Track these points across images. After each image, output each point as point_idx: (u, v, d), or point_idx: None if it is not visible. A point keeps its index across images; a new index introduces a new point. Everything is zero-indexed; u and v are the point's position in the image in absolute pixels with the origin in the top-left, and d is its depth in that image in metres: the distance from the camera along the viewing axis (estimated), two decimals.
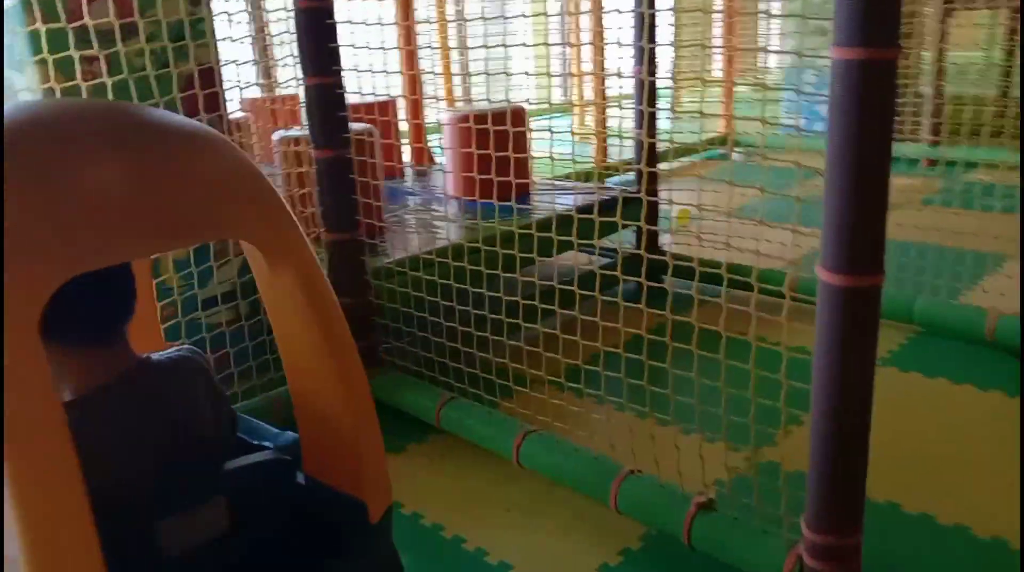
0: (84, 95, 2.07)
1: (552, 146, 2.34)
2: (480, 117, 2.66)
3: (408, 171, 3.83)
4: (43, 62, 2.03)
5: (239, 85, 2.61)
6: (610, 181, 3.27)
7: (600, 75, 4.92)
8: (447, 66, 5.32)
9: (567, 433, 1.98)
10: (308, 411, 1.09)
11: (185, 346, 1.16)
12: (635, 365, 1.82)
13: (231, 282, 2.56)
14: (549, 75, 5.72)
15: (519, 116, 2.88)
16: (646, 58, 2.78)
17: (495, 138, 2.12)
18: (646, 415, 1.85)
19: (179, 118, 0.99)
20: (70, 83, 2.06)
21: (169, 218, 0.90)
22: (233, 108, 3.04)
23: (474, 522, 1.94)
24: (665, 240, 3.19)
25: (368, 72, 2.36)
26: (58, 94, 2.04)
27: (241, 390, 2.44)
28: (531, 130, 3.04)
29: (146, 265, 1.37)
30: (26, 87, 2.07)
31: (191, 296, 2.40)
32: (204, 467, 1.04)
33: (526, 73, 2.34)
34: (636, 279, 1.83)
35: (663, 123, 3.76)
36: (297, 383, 1.09)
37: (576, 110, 6.72)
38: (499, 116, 2.26)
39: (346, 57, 2.27)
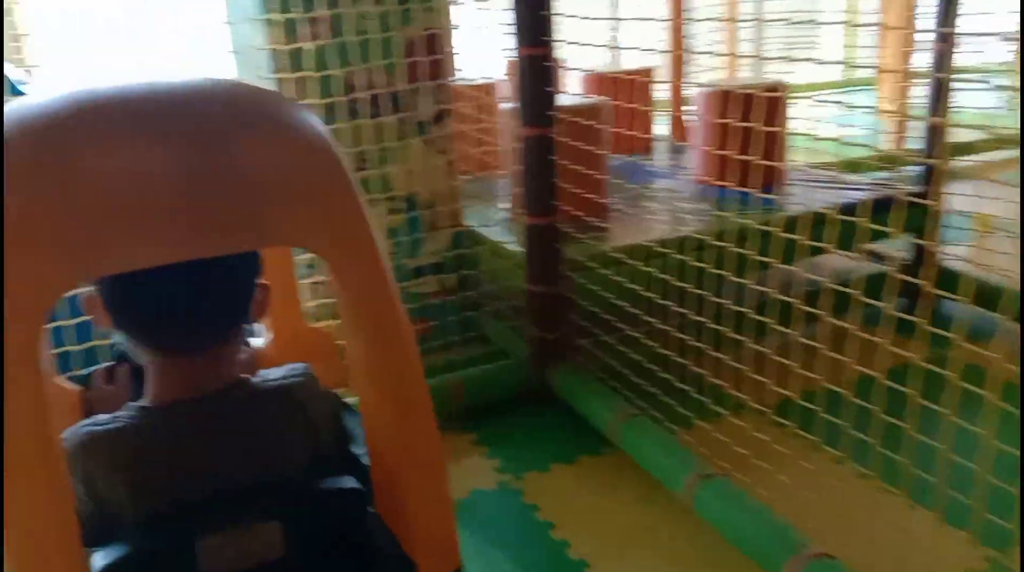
0: (305, 57, 2.05)
1: (820, 128, 1.96)
2: (733, 94, 2.34)
3: (655, 147, 3.54)
4: (270, 22, 2.04)
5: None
6: (880, 175, 2.74)
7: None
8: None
9: (759, 479, 1.65)
10: (375, 448, 0.92)
11: (300, 367, 1.02)
12: (865, 411, 1.46)
13: (441, 253, 2.50)
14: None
15: (777, 94, 2.49)
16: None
17: (747, 118, 1.80)
18: (868, 477, 1.49)
19: (253, 99, 0.84)
20: (293, 45, 2.05)
21: (205, 219, 0.76)
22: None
23: (625, 565, 1.70)
24: (947, 253, 2.64)
25: (595, 44, 2.13)
26: (281, 54, 2.05)
27: (441, 363, 2.37)
28: (787, 107, 2.61)
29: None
30: (255, 44, 2.09)
31: (401, 264, 2.36)
32: (263, 488, 0.92)
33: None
34: (875, 302, 1.46)
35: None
36: (366, 413, 0.93)
37: (881, 83, 5.73)
38: (755, 95, 1.92)
39: (575, 29, 2.06)
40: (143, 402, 0.90)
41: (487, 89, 3.07)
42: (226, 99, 0.82)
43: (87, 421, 0.90)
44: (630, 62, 4.05)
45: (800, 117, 2.81)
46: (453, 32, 2.37)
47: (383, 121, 2.27)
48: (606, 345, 2.08)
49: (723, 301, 1.76)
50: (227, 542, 0.86)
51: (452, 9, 2.37)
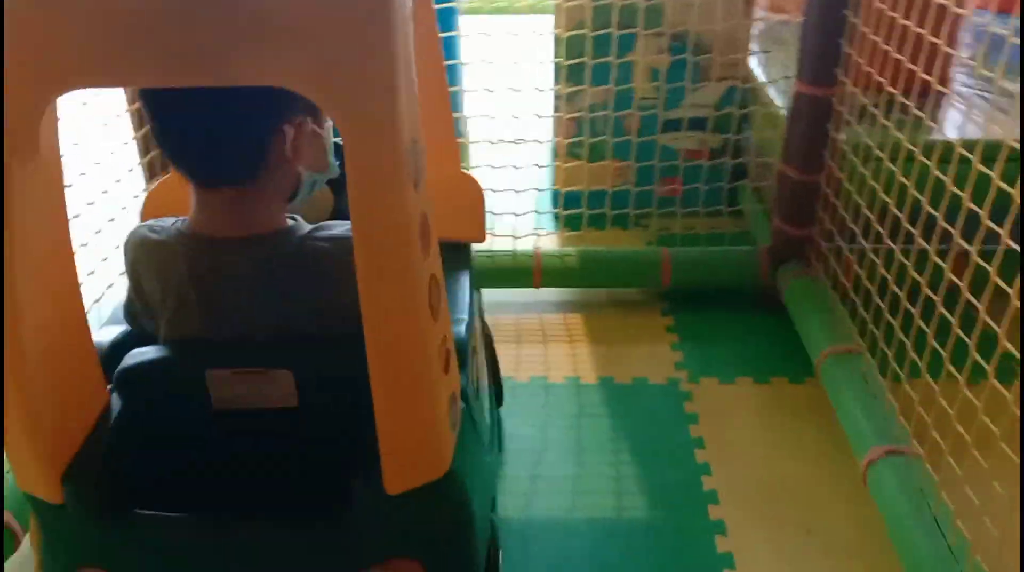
0: None
1: None
2: None
3: None
4: None
5: None
6: None
7: None
8: None
9: (965, 477, 1.22)
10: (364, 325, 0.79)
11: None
12: None
13: (707, 107, 2.16)
14: None
15: None
16: None
17: None
18: None
19: None
20: None
21: (201, 46, 0.68)
22: None
23: (760, 526, 1.41)
24: None
25: None
26: None
27: (676, 232, 2.12)
28: None
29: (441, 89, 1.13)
30: None
31: (654, 114, 2.09)
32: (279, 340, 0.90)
33: None
34: None
35: None
36: (361, 297, 0.79)
37: None
38: None
39: None
40: (182, 226, 0.91)
41: None
42: None
43: (149, 223, 0.94)
44: None
45: None
46: None
47: None
48: (859, 257, 1.66)
49: None
50: (237, 378, 0.87)
51: None
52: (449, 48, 2.11)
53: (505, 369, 1.67)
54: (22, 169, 0.73)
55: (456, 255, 1.21)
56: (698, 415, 1.63)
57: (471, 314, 1.06)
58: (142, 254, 0.93)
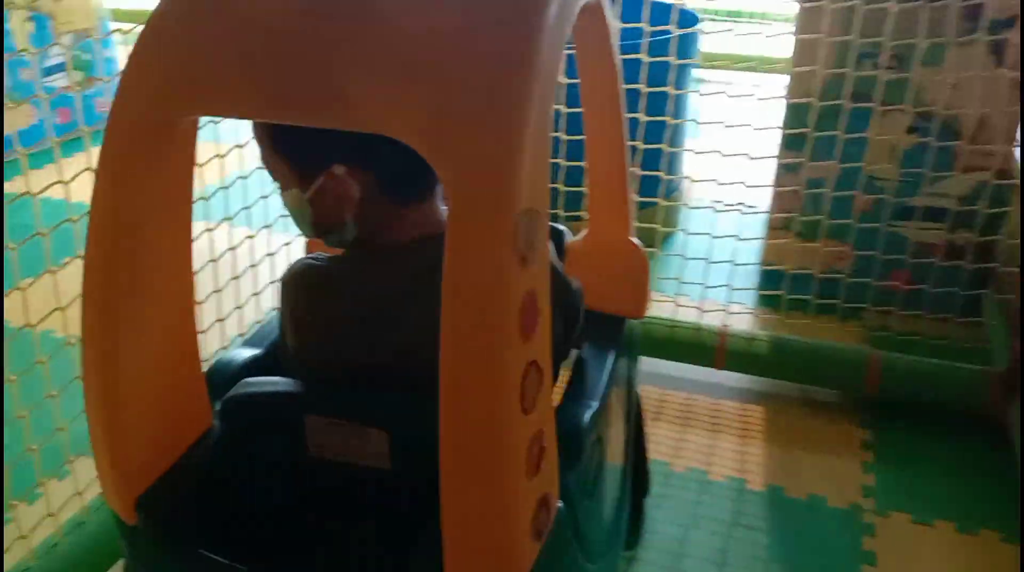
0: None
1: None
2: None
3: None
4: None
5: None
6: None
7: None
8: None
9: None
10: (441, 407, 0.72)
11: None
12: None
13: (949, 200, 1.88)
14: None
15: None
16: None
17: None
18: None
19: None
20: None
21: (318, 87, 0.67)
22: None
23: None
24: None
25: None
26: None
27: (895, 333, 1.86)
28: None
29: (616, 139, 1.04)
30: None
31: (881, 199, 1.85)
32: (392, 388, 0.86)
33: None
34: None
35: None
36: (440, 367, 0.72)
37: None
38: None
39: None
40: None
41: None
42: None
43: (312, 256, 0.93)
44: None
45: None
46: None
47: (943, 5, 1.70)
48: None
49: None
50: (332, 428, 0.84)
51: None
52: (680, 104, 2.01)
53: (661, 453, 1.52)
54: (147, 181, 0.74)
55: (607, 329, 1.09)
56: (877, 555, 1.38)
57: (602, 402, 0.94)
58: (301, 280, 0.91)
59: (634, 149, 1.74)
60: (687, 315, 1.83)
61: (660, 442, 1.57)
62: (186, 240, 0.81)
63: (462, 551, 0.70)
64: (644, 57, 1.71)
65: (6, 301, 1.15)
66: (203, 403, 0.87)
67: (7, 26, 2.70)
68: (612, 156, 1.05)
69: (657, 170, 1.82)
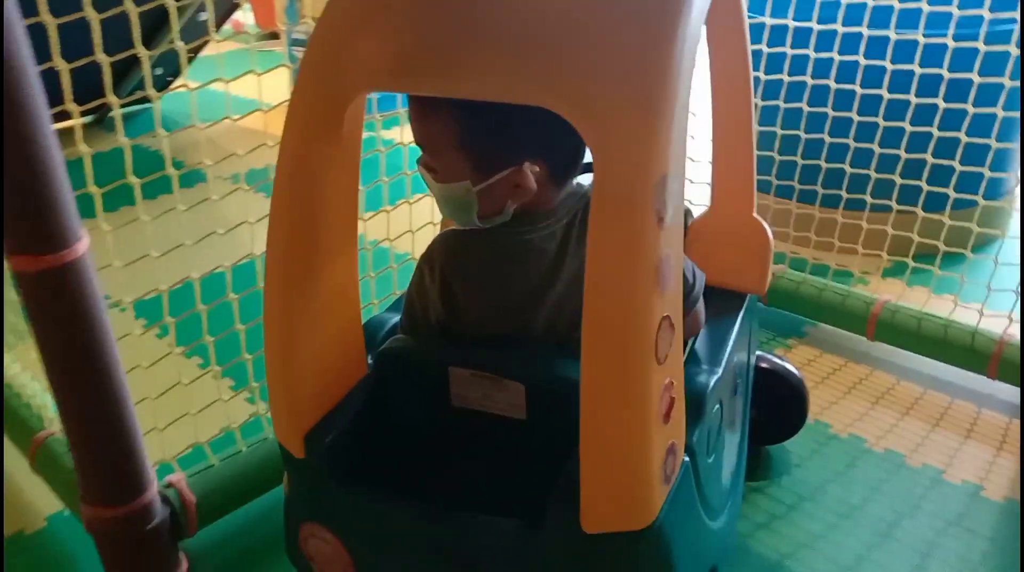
0: None
1: None
2: None
3: None
4: None
5: None
6: None
7: None
8: None
9: None
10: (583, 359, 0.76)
11: None
12: None
13: None
14: None
15: None
16: None
17: None
18: None
19: None
20: None
21: (480, 61, 0.73)
22: None
23: None
24: None
25: None
26: None
27: None
28: None
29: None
30: None
31: None
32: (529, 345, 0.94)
33: None
34: None
35: None
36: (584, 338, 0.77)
37: None
38: None
39: None
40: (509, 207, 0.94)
41: None
42: None
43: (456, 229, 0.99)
44: None
45: None
46: None
47: None
48: None
49: None
50: (474, 380, 0.92)
51: None
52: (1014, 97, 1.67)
53: (900, 446, 1.49)
54: (324, 151, 0.83)
55: (730, 303, 1.14)
56: None
57: (723, 370, 0.99)
58: (452, 248, 0.97)
59: (950, 141, 1.65)
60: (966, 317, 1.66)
61: (902, 436, 1.50)
62: (354, 207, 0.90)
63: (599, 490, 0.75)
64: (980, 46, 1.56)
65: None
66: (361, 354, 0.96)
67: None
68: (740, 136, 1.09)
69: (981, 166, 1.66)
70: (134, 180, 1.18)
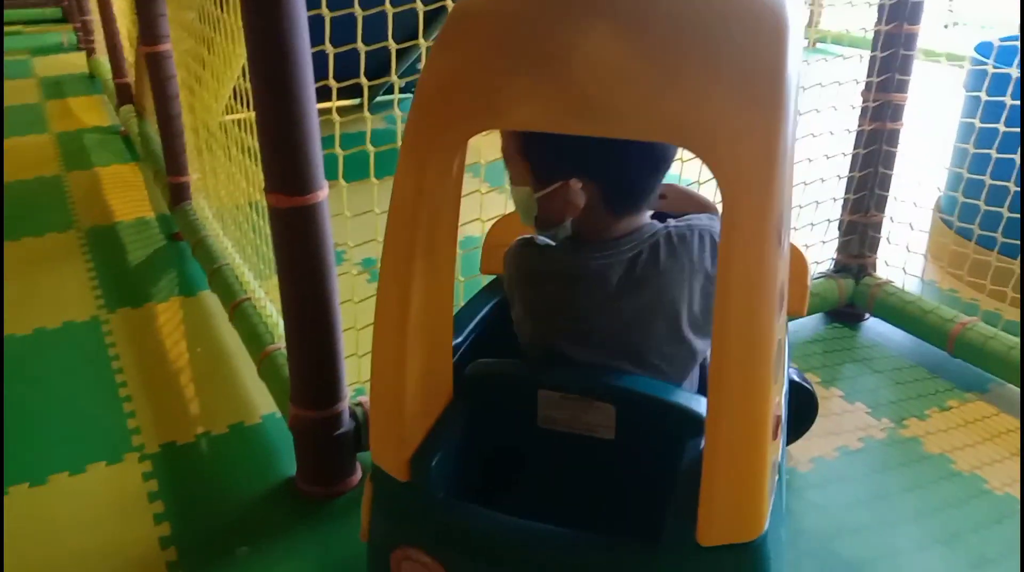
0: None
1: None
2: None
3: None
4: None
5: None
6: None
7: None
8: None
9: None
10: (710, 385, 0.82)
11: (706, 215, 1.03)
12: None
13: None
14: None
15: None
16: None
17: None
18: None
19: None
20: None
21: (599, 99, 0.76)
22: None
23: None
24: None
25: None
26: None
27: None
28: None
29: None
30: None
31: None
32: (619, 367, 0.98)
33: None
34: None
35: None
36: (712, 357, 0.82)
37: None
38: None
39: None
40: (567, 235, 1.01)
41: None
42: None
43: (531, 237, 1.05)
44: None
45: None
46: None
47: None
48: None
49: None
50: (564, 403, 0.96)
51: None
52: None
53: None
54: (438, 187, 0.86)
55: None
56: None
57: (786, 389, 1.03)
58: (524, 264, 1.03)
59: None
60: None
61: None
62: (454, 233, 0.91)
63: (719, 504, 0.79)
64: None
65: None
66: (449, 376, 0.97)
67: None
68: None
69: None
70: (370, 148, 1.42)
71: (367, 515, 0.96)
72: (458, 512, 0.89)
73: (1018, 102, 1.76)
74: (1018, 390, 1.75)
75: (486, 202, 1.63)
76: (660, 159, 0.97)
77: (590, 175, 0.94)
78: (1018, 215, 1.78)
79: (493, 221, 1.39)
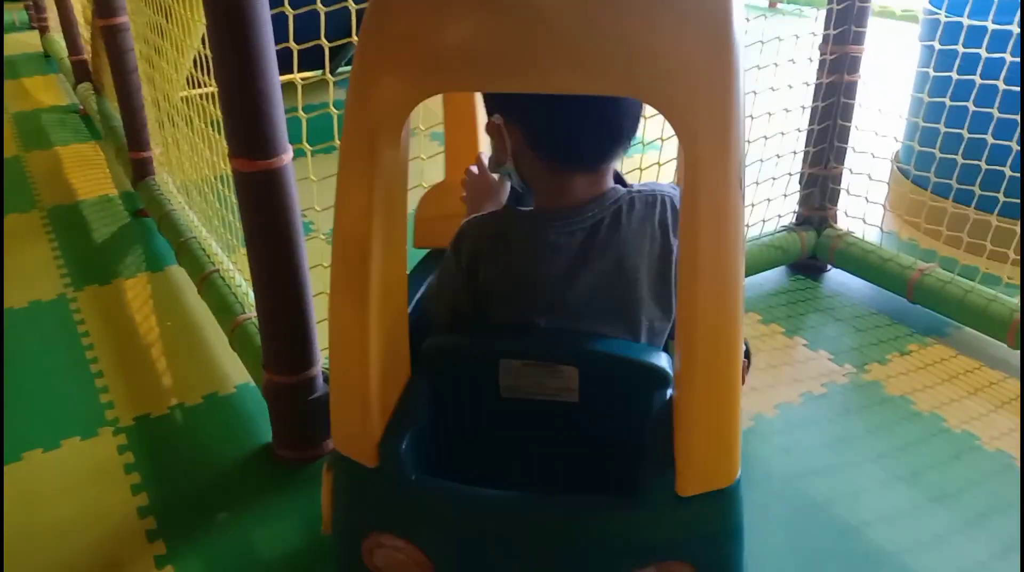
0: None
1: None
2: None
3: None
4: None
5: None
6: None
7: None
8: None
9: None
10: (679, 339, 0.83)
11: (668, 184, 1.01)
12: None
13: None
14: None
15: None
16: None
17: None
18: None
19: None
20: None
21: (585, 58, 0.74)
22: None
23: None
24: None
25: None
26: None
27: None
28: None
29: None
30: None
31: None
32: (575, 325, 0.97)
33: None
34: None
35: None
36: (680, 300, 0.82)
37: None
38: None
39: None
40: (514, 210, 1.01)
41: None
42: None
43: (477, 215, 1.03)
44: None
45: None
46: None
47: None
48: None
49: None
50: (526, 370, 0.94)
51: None
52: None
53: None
54: (385, 154, 0.81)
55: None
56: None
57: None
58: (484, 240, 0.98)
59: None
60: None
61: (1016, 439, 1.54)
62: (404, 202, 0.87)
63: (696, 455, 0.81)
64: None
65: None
66: (407, 354, 0.93)
67: None
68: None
69: None
70: (334, 111, 1.42)
71: (328, 506, 0.93)
72: (432, 492, 0.87)
73: (972, 50, 1.79)
74: (976, 333, 1.81)
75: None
76: (604, 119, 0.92)
77: (508, 115, 0.93)
78: (973, 162, 1.82)
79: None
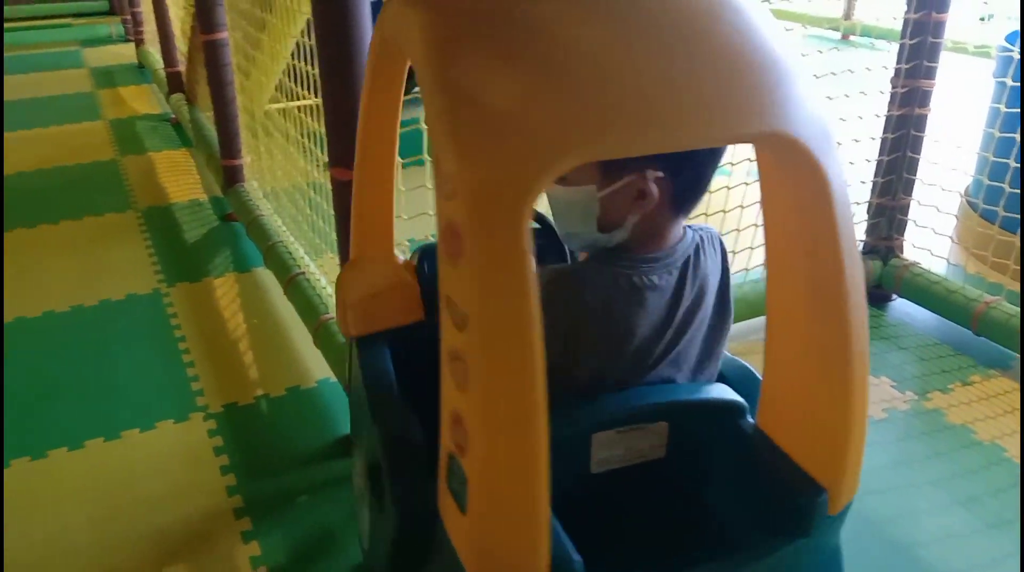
0: None
1: None
2: None
3: None
4: None
5: None
6: None
7: None
8: None
9: None
10: (780, 361, 0.85)
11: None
12: None
13: None
14: None
15: None
16: None
17: None
18: None
19: None
20: None
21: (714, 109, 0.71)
22: None
23: None
24: None
25: None
26: None
27: None
28: None
29: None
30: None
31: None
32: (665, 376, 0.93)
33: None
34: None
35: None
36: (776, 322, 0.85)
37: None
38: None
39: None
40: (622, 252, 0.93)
41: None
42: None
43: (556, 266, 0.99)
44: None
45: None
46: None
47: None
48: None
49: None
50: (618, 438, 0.88)
51: None
52: None
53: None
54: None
55: None
56: None
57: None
58: (577, 296, 0.89)
59: None
60: None
61: None
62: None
63: (849, 475, 0.83)
64: None
65: None
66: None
67: None
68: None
69: None
70: (424, 126, 1.51)
71: None
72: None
73: None
74: None
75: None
76: (720, 155, 0.92)
77: (666, 168, 0.86)
78: None
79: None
